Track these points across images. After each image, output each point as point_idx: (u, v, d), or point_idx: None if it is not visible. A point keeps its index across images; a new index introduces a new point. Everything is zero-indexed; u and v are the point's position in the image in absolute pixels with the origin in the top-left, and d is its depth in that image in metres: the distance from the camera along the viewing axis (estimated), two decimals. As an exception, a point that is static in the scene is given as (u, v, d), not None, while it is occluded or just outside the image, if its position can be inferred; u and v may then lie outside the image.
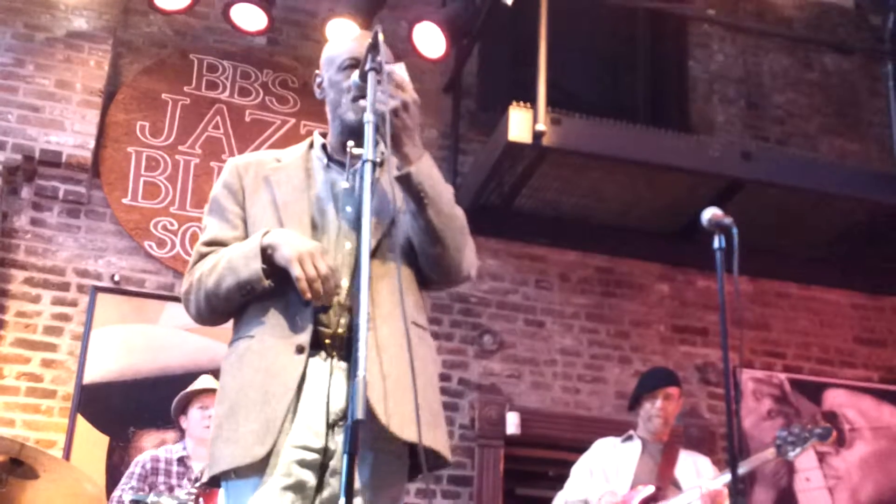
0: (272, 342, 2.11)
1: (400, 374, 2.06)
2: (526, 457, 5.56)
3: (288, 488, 2.03)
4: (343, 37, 2.47)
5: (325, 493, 2.08)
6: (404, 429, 2.04)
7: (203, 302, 2.21)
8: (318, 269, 2.05)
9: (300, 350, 2.09)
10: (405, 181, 2.10)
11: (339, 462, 2.04)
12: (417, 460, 2.09)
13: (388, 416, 2.03)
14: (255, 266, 2.10)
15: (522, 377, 5.66)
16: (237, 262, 2.14)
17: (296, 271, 2.05)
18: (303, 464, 2.05)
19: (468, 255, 2.25)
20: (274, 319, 2.14)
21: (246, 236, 2.25)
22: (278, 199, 2.25)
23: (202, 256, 2.25)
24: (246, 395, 2.09)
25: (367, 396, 1.98)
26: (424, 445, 1.98)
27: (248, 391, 2.09)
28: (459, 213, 2.23)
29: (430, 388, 2.16)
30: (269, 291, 2.14)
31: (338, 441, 2.06)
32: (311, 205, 2.25)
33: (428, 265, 2.22)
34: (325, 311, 2.13)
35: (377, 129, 2.03)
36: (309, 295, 2.05)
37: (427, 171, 2.14)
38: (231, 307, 2.20)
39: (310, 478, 2.06)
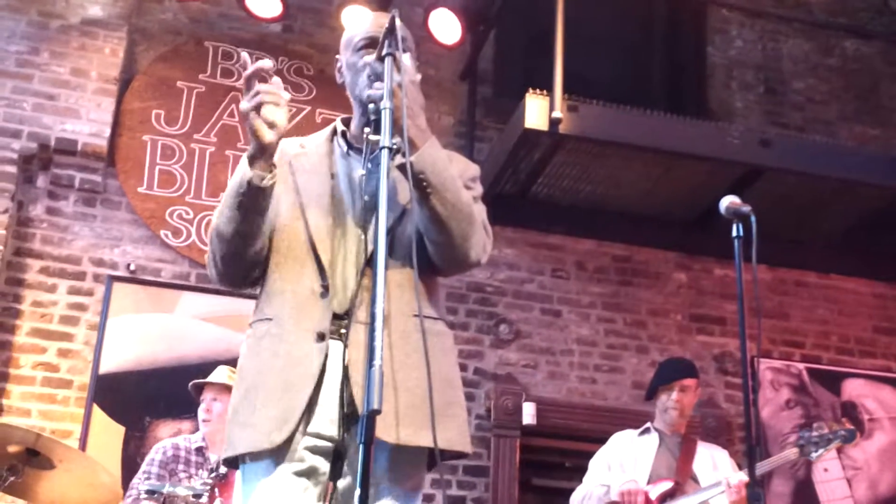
0: (291, 327, 2.11)
1: (393, 371, 2.04)
2: (542, 447, 5.54)
3: (300, 473, 2.05)
4: (361, 19, 2.44)
5: (343, 484, 2.10)
6: (385, 430, 1.99)
7: (217, 248, 2.19)
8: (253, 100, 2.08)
9: (321, 337, 2.09)
10: (407, 169, 2.04)
11: (354, 452, 2.04)
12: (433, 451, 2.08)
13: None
14: (244, 165, 2.10)
15: (539, 367, 5.64)
16: (229, 189, 2.15)
17: (255, 119, 2.07)
18: (315, 450, 2.07)
19: (476, 242, 2.20)
20: (292, 304, 2.14)
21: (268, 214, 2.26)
22: (299, 183, 2.26)
23: None
24: (264, 380, 2.09)
25: (353, 394, 2.02)
26: (416, 445, 2.03)
27: (267, 376, 2.09)
28: (466, 199, 2.18)
29: (437, 381, 2.08)
30: (285, 267, 2.16)
31: (352, 431, 2.06)
32: (331, 194, 2.24)
33: (434, 253, 2.19)
34: (337, 298, 2.13)
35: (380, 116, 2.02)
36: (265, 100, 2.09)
37: (431, 158, 2.10)
38: (240, 235, 2.14)
39: (322, 464, 2.08)
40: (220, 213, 2.16)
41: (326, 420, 2.07)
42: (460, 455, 2.18)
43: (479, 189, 2.36)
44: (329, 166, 2.30)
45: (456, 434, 2.13)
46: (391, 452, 2.07)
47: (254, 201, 2.11)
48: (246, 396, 2.11)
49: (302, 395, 2.05)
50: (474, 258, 2.22)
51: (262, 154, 2.10)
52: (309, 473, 2.06)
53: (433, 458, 2.15)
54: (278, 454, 2.04)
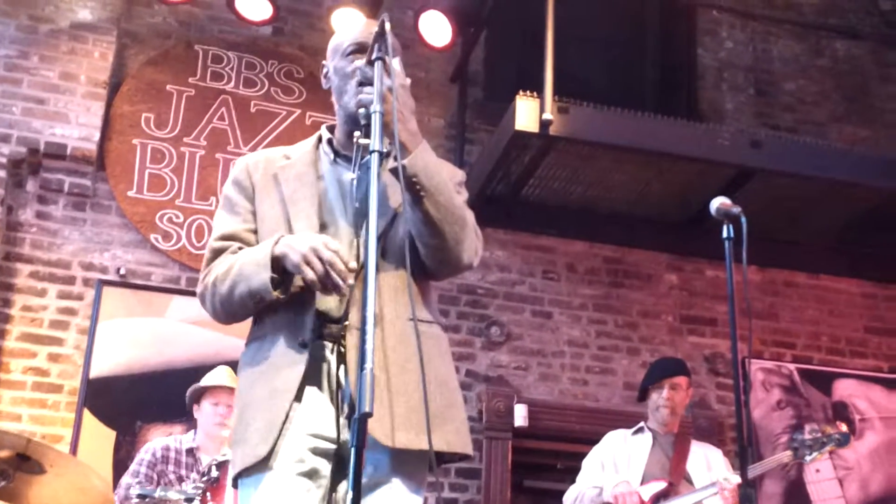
0: (279, 340, 2.13)
1: (390, 375, 2.06)
2: (534, 449, 5.54)
3: (303, 475, 2.06)
4: (349, 25, 2.45)
5: (345, 488, 2.09)
6: (383, 434, 2.01)
7: (218, 306, 2.21)
8: (323, 259, 2.01)
9: (303, 345, 2.10)
10: (399, 173, 2.05)
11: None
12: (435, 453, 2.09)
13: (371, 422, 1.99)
14: (265, 276, 2.08)
15: (530, 369, 5.64)
16: (249, 270, 2.12)
17: (308, 275, 2.03)
18: (317, 451, 2.08)
19: (468, 245, 2.21)
20: (282, 318, 2.15)
21: (256, 231, 2.26)
22: (286, 196, 2.25)
23: (215, 253, 2.25)
24: (253, 395, 2.12)
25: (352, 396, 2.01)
26: (414, 448, 2.03)
27: (255, 390, 2.12)
28: (459, 202, 2.19)
29: (434, 384, 2.11)
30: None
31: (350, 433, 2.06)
32: (319, 201, 2.24)
33: (426, 256, 2.19)
34: (332, 302, 2.13)
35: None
36: (328, 293, 2.04)
37: (422, 161, 2.10)
38: (247, 312, 2.21)
39: (323, 466, 2.08)
40: (230, 291, 2.15)
41: (326, 422, 2.08)
42: (462, 457, 2.18)
43: (465, 194, 2.36)
44: (316, 174, 2.29)
45: (455, 436, 2.14)
46: (393, 453, 2.07)
47: (264, 302, 2.14)
48: (241, 415, 2.13)
49: (282, 402, 2.06)
50: (467, 261, 2.22)
51: (289, 279, 2.12)
52: (310, 475, 2.07)
53: (437, 462, 2.15)
54: (270, 463, 2.05)
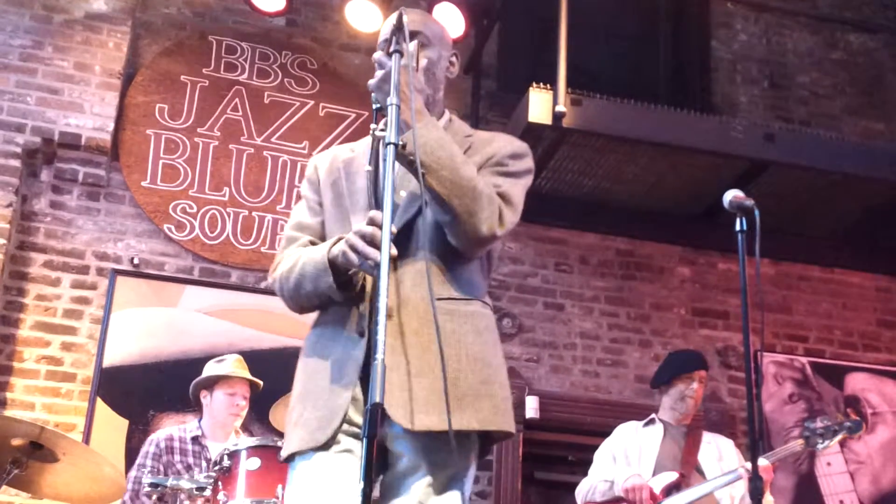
0: (339, 330, 2.19)
1: (409, 358, 2.08)
2: (545, 441, 5.55)
3: (342, 452, 2.11)
4: (385, 23, 2.48)
5: (388, 475, 2.16)
6: (403, 417, 2.03)
7: (289, 299, 2.31)
8: (365, 238, 2.02)
9: (361, 334, 2.14)
10: (398, 152, 2.02)
11: (392, 443, 2.12)
12: (485, 439, 2.16)
13: (391, 407, 2.02)
14: (328, 280, 2.14)
15: (542, 361, 5.64)
16: (310, 271, 2.19)
17: (355, 261, 2.05)
18: (348, 433, 2.12)
19: (485, 217, 2.16)
20: (343, 308, 2.20)
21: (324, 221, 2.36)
22: (347, 187, 2.32)
23: (288, 241, 2.36)
24: (315, 383, 2.18)
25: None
26: (428, 429, 2.04)
27: (317, 379, 2.18)
28: (468, 174, 2.15)
29: (468, 361, 2.12)
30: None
31: (384, 422, 2.04)
32: (372, 190, 2.28)
33: (447, 233, 2.19)
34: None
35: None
36: (370, 262, 2.03)
37: (421, 138, 2.09)
38: (315, 306, 2.28)
39: (358, 447, 2.11)
40: (297, 287, 2.23)
41: (357, 409, 2.12)
42: (506, 435, 2.18)
43: (517, 165, 2.35)
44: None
45: (490, 414, 2.11)
46: (422, 440, 2.07)
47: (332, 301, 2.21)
48: (300, 399, 2.21)
49: (344, 395, 2.11)
50: (486, 232, 2.18)
51: (351, 278, 2.17)
52: (350, 452, 2.11)
53: (485, 443, 2.19)
54: (324, 448, 2.11)
